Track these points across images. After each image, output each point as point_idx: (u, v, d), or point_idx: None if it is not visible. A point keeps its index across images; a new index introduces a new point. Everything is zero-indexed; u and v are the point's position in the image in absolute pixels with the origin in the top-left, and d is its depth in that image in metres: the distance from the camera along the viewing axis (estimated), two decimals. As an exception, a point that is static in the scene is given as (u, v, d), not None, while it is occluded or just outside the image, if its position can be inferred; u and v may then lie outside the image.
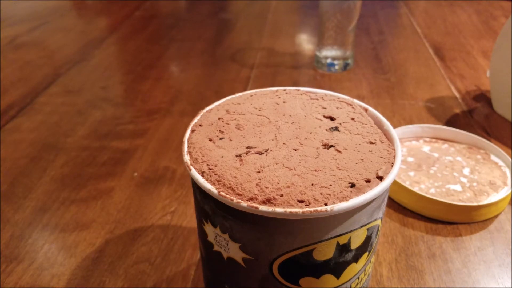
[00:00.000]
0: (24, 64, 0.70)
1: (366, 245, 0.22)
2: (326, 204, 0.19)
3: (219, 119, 0.25)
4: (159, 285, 0.33)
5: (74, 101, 0.59)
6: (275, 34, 0.81)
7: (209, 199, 0.21)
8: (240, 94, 0.28)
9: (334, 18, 0.61)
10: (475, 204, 0.37)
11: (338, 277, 0.22)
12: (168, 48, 0.76)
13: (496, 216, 0.39)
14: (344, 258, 0.22)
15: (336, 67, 0.65)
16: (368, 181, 0.20)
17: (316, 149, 0.22)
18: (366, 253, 0.23)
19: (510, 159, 0.42)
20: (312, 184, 0.20)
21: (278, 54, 0.72)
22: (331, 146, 0.23)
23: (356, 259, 0.22)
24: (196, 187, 0.22)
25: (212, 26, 0.85)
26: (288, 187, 0.20)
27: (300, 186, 0.20)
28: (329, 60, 0.65)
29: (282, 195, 0.19)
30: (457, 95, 0.59)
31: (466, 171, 0.42)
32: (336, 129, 0.24)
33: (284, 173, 0.21)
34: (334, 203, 0.19)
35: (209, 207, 0.22)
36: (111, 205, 0.40)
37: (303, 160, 0.21)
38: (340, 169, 0.21)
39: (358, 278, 0.24)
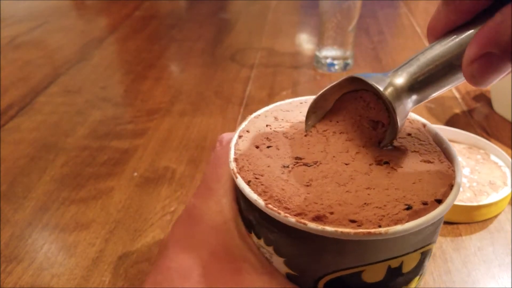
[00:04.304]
0: (24, 64, 0.70)
1: (418, 269, 0.21)
2: (380, 226, 0.18)
3: (267, 125, 0.24)
4: (159, 285, 0.33)
5: (74, 101, 0.59)
6: (275, 34, 0.81)
7: (254, 210, 0.20)
8: (290, 100, 0.27)
9: (334, 18, 0.61)
10: (475, 204, 0.37)
11: None
12: (168, 48, 0.76)
13: (496, 216, 0.39)
14: (394, 281, 0.21)
15: (336, 67, 0.65)
16: (425, 203, 0.19)
17: (369, 165, 0.21)
18: (418, 277, 0.22)
19: (510, 159, 0.42)
20: (365, 204, 0.19)
21: (278, 54, 0.72)
22: (386, 162, 0.21)
23: (407, 283, 0.21)
24: (241, 196, 0.21)
25: (212, 26, 0.85)
26: (340, 204, 0.19)
27: (352, 204, 0.19)
28: (329, 60, 0.65)
29: (332, 213, 0.18)
30: (457, 95, 0.59)
31: (466, 171, 0.42)
32: (391, 144, 0.22)
33: (334, 188, 0.20)
34: (388, 225, 0.18)
35: (254, 218, 0.21)
36: (111, 205, 0.40)
37: (355, 176, 0.20)
38: (395, 189, 0.20)
39: None
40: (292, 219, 0.18)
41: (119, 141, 0.50)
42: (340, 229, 0.18)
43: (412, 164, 0.21)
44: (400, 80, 0.20)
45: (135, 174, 0.44)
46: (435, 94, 0.20)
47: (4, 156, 0.48)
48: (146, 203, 0.41)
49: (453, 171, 0.21)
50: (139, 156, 0.47)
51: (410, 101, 0.20)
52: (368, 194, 0.19)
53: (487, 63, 0.16)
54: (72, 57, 0.72)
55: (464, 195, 0.39)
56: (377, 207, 0.19)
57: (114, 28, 0.84)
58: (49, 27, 0.85)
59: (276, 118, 0.25)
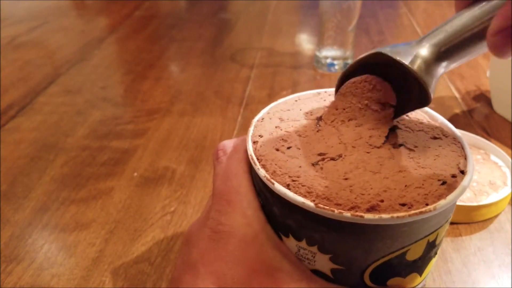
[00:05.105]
0: (24, 64, 0.70)
1: (442, 239, 0.22)
2: (427, 204, 0.19)
3: (276, 127, 0.24)
4: (159, 285, 0.33)
5: (74, 101, 0.59)
6: (275, 34, 0.81)
7: (296, 212, 0.20)
8: (283, 100, 0.27)
9: (334, 18, 0.61)
10: (475, 204, 0.37)
11: (421, 273, 0.22)
12: (168, 48, 0.76)
13: (496, 216, 0.39)
14: (429, 254, 0.22)
15: (336, 67, 0.65)
16: (454, 176, 0.20)
17: (388, 149, 0.22)
18: (440, 247, 0.23)
19: (510, 159, 0.42)
20: (406, 186, 0.19)
21: (278, 54, 0.72)
22: (401, 145, 0.22)
23: (435, 253, 0.22)
24: (276, 201, 0.21)
25: (212, 26, 0.85)
26: (385, 191, 0.19)
27: (395, 189, 0.19)
28: (329, 60, 0.65)
29: (382, 201, 0.19)
30: (457, 95, 0.59)
31: (466, 171, 0.42)
32: (396, 126, 0.23)
33: (372, 177, 0.20)
34: (434, 202, 0.19)
35: (294, 221, 0.21)
36: (111, 205, 0.40)
37: (382, 162, 0.21)
38: (422, 168, 0.21)
39: (430, 271, 0.24)
40: (347, 214, 0.18)
41: (119, 141, 0.50)
42: (395, 214, 0.18)
43: (424, 142, 0.22)
44: (427, 50, 0.20)
45: (135, 174, 0.44)
46: (461, 62, 0.21)
47: (4, 156, 0.48)
48: (146, 203, 0.41)
49: (459, 142, 0.23)
50: (139, 156, 0.47)
51: (438, 70, 0.21)
52: (404, 177, 0.20)
53: (509, 35, 0.17)
54: (72, 57, 0.72)
55: (464, 195, 0.39)
56: (417, 187, 0.20)
57: (114, 28, 0.84)
58: (49, 27, 0.85)
59: (281, 119, 0.25)
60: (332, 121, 0.23)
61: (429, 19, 0.87)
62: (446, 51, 0.20)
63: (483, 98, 0.58)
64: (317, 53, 0.66)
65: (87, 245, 0.36)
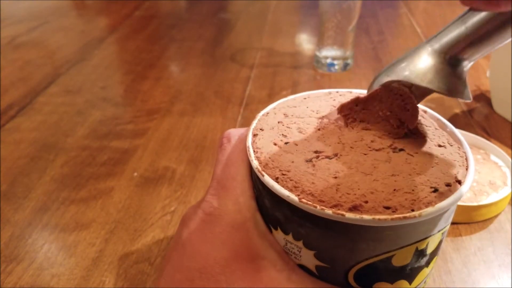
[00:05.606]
0: (24, 64, 0.70)
1: (437, 250, 0.22)
2: (413, 210, 0.19)
3: (278, 122, 0.24)
4: (159, 285, 0.33)
5: (74, 101, 0.59)
6: (275, 34, 0.81)
7: (283, 206, 0.20)
8: (293, 96, 0.27)
9: (334, 18, 0.61)
10: (475, 204, 0.37)
11: (411, 282, 0.22)
12: (168, 48, 0.76)
13: (496, 216, 0.39)
14: (419, 263, 0.21)
15: (336, 67, 0.65)
16: (448, 185, 0.20)
17: (387, 153, 0.22)
18: (436, 257, 0.23)
19: (510, 159, 0.42)
20: (395, 190, 0.19)
21: (278, 54, 0.72)
22: (401, 149, 0.22)
23: (428, 263, 0.22)
24: (267, 193, 0.21)
25: (212, 26, 0.85)
26: (372, 193, 0.19)
27: (383, 192, 0.19)
28: (329, 60, 0.65)
29: (367, 202, 0.19)
30: (457, 95, 0.59)
31: (466, 171, 0.42)
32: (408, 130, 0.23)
33: (362, 178, 0.20)
34: (420, 208, 0.19)
35: (282, 214, 0.21)
36: (111, 205, 0.40)
37: (377, 165, 0.21)
38: (417, 174, 0.20)
39: (425, 282, 0.23)
40: (329, 211, 0.18)
41: (119, 141, 0.50)
42: (377, 217, 0.18)
43: (426, 149, 0.22)
44: (444, 59, 0.20)
45: (135, 174, 0.44)
46: (484, 54, 0.20)
47: (4, 156, 0.48)
48: (146, 203, 0.41)
49: (464, 152, 0.23)
50: (139, 156, 0.47)
51: (463, 69, 0.21)
52: (395, 181, 0.20)
53: None
54: (72, 57, 0.72)
55: (464, 195, 0.39)
56: (406, 192, 0.19)
57: (114, 28, 0.84)
58: (49, 27, 0.85)
59: (285, 115, 0.25)
60: (345, 115, 0.24)
61: (429, 19, 0.87)
62: (470, 51, 0.20)
63: (483, 98, 0.58)
64: (317, 53, 0.66)
65: (87, 245, 0.36)
